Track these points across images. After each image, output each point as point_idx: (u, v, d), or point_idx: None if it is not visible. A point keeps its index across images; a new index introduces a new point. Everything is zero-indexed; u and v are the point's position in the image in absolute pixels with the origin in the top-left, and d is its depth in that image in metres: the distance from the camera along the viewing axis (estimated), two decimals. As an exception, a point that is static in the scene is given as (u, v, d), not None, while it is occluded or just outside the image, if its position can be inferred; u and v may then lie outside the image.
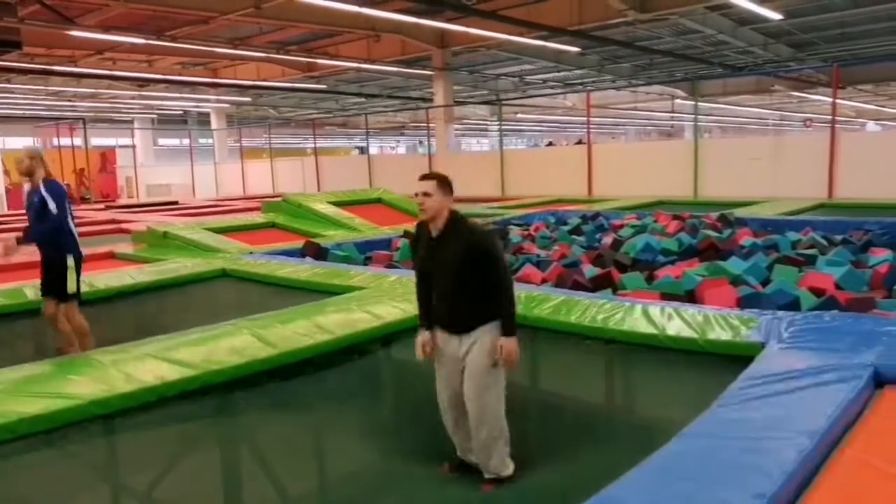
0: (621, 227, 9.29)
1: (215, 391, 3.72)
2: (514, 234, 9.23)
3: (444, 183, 2.91)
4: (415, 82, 23.60)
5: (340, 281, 6.12)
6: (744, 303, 4.99)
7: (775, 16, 13.14)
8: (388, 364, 4.57)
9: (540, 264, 6.82)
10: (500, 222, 10.46)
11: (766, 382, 3.08)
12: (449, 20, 14.16)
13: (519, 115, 31.88)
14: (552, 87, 25.82)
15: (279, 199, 12.17)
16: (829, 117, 13.39)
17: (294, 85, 22.02)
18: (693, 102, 18.33)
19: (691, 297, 5.29)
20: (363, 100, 27.38)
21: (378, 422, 3.57)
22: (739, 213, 9.90)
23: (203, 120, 31.23)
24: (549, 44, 16.16)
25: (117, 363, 3.78)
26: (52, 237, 4.63)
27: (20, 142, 26.38)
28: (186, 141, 30.34)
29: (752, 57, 19.49)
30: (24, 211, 4.88)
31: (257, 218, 11.10)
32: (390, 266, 7.34)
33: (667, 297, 5.16)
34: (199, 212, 15.38)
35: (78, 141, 22.97)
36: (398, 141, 47.99)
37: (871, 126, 36.68)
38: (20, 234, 4.82)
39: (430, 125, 20.28)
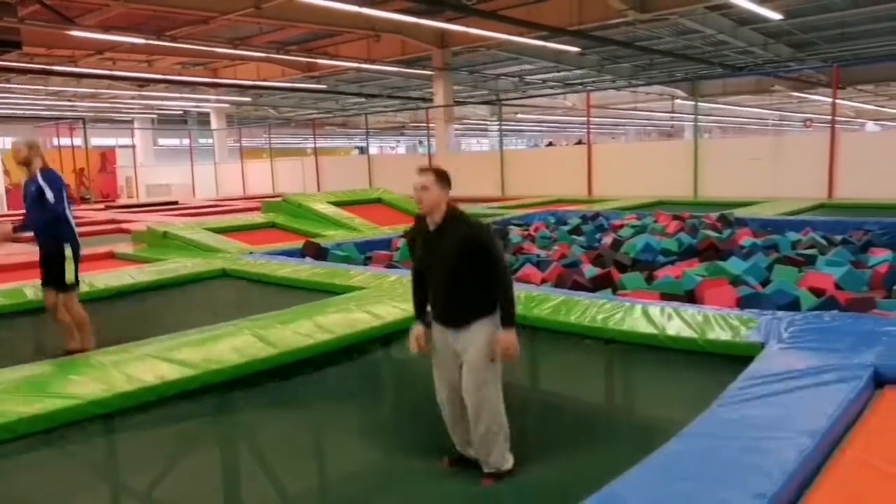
0: (621, 227, 9.29)
1: (215, 391, 3.73)
2: (514, 234, 9.23)
3: (442, 176, 2.90)
4: (415, 82, 23.60)
5: (340, 281, 6.12)
6: (744, 303, 4.99)
7: (775, 16, 13.14)
8: (388, 364, 4.57)
9: (540, 264, 6.82)
10: (500, 222, 10.46)
11: (766, 382, 3.08)
12: (449, 20, 14.17)
13: (519, 115, 31.88)
14: (552, 87, 25.82)
15: (279, 199, 12.17)
16: (829, 117, 13.39)
17: (294, 85, 22.02)
18: (693, 102, 18.33)
19: (691, 297, 5.29)
20: (363, 100, 27.38)
21: (378, 420, 3.57)
22: (739, 213, 9.90)
23: (203, 120, 31.24)
24: (549, 44, 16.16)
25: (117, 363, 3.78)
26: (50, 226, 4.61)
27: (20, 142, 26.28)
28: (186, 141, 30.34)
29: (752, 57, 19.50)
30: (23, 210, 4.88)
31: (257, 218, 11.10)
32: (390, 266, 7.34)
33: (667, 297, 5.16)
34: (199, 212, 15.38)
35: (78, 141, 22.97)
36: (398, 141, 47.99)
37: (871, 126, 36.68)
38: (17, 222, 4.82)
39: (430, 125, 20.29)
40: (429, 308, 3.05)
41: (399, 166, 21.45)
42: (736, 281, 5.54)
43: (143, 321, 5.32)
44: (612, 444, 3.20)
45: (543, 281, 6.17)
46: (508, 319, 2.86)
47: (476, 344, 2.86)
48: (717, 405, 2.87)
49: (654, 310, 4.47)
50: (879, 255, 6.41)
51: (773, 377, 3.14)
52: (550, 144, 39.71)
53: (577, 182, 15.63)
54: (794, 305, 4.86)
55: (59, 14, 12.02)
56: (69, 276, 4.66)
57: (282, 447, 3.21)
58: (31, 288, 5.92)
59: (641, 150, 20.19)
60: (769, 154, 13.16)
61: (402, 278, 5.79)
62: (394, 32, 16.23)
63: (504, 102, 23.93)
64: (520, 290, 5.19)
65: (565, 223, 10.36)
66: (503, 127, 22.44)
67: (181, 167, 27.63)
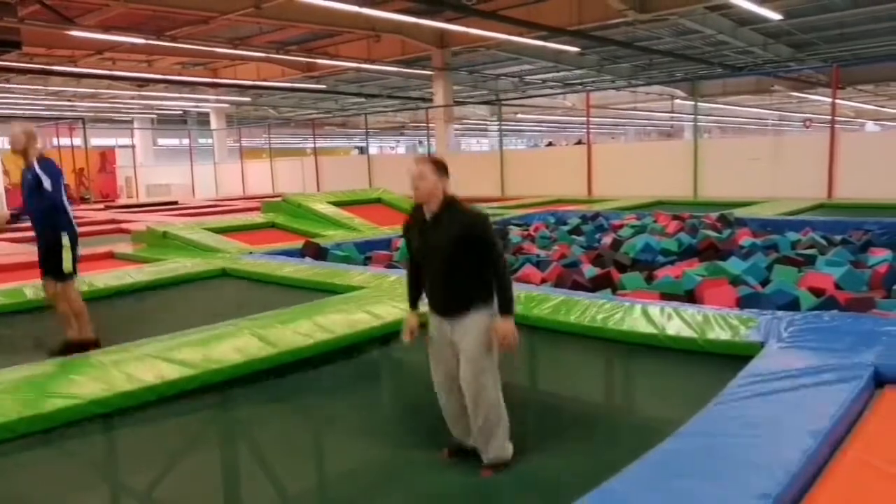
0: (621, 227, 9.29)
1: (215, 390, 3.73)
2: (514, 234, 9.23)
3: (439, 165, 2.90)
4: (414, 82, 23.61)
5: (340, 281, 6.12)
6: (743, 303, 4.99)
7: (775, 16, 13.14)
8: (388, 363, 4.58)
9: (540, 264, 6.82)
10: (499, 222, 10.46)
11: (766, 381, 3.08)
12: (449, 20, 14.17)
13: (519, 115, 31.90)
14: (552, 87, 25.83)
15: (279, 199, 12.17)
16: (829, 117, 13.39)
17: (294, 85, 22.03)
18: (693, 102, 18.33)
19: (691, 297, 5.29)
20: (363, 100, 27.39)
21: (377, 418, 3.57)
22: (739, 213, 9.91)
23: (203, 120, 31.25)
24: (548, 44, 16.16)
25: (117, 363, 3.78)
26: (48, 215, 4.59)
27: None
28: (186, 141, 30.34)
29: (752, 57, 19.50)
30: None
31: (257, 218, 11.11)
32: (390, 266, 7.34)
33: (666, 297, 5.16)
34: (198, 212, 15.39)
35: (77, 141, 22.96)
36: (398, 141, 48.00)
37: (871, 126, 36.70)
38: (13, 210, 4.80)
39: (430, 125, 20.28)
40: (424, 300, 3.05)
41: (399, 166, 21.43)
42: (736, 281, 5.54)
43: (143, 321, 5.32)
44: (611, 442, 3.20)
45: (543, 281, 6.17)
46: (506, 307, 2.84)
47: (473, 333, 2.84)
48: (716, 403, 2.87)
49: (654, 310, 4.48)
50: (879, 255, 6.41)
51: (773, 376, 3.14)
52: (550, 144, 39.73)
53: (577, 182, 15.63)
54: (793, 305, 4.86)
55: (58, 14, 12.02)
56: (66, 266, 4.64)
57: (281, 446, 3.22)
58: (31, 288, 5.94)
59: (641, 150, 20.19)
60: (769, 154, 13.17)
61: (402, 278, 5.75)
62: (394, 32, 16.24)
63: (504, 102, 23.94)
64: (519, 290, 5.19)
65: (565, 223, 10.37)
66: (503, 127, 22.45)
67: (181, 167, 27.64)
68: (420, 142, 40.59)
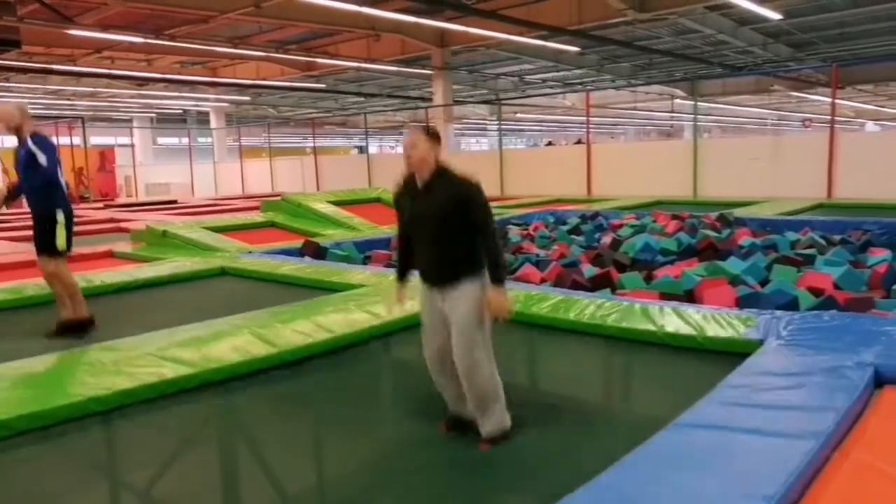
0: (620, 226, 9.29)
1: (214, 389, 3.73)
2: (514, 233, 9.23)
3: (431, 134, 2.89)
4: (414, 82, 23.60)
5: (339, 280, 6.12)
6: (742, 302, 5.00)
7: (775, 16, 13.15)
8: (388, 363, 4.57)
9: (539, 264, 6.83)
10: (499, 222, 10.45)
11: (763, 377, 3.09)
12: (449, 20, 14.17)
13: (518, 115, 31.91)
14: (551, 87, 25.82)
15: (278, 198, 12.18)
16: (829, 117, 13.40)
17: (293, 84, 22.02)
18: (692, 102, 18.33)
19: (690, 296, 5.29)
20: (362, 99, 27.38)
21: (377, 419, 3.57)
22: (738, 213, 9.91)
23: (202, 119, 31.24)
24: (548, 43, 16.16)
25: (117, 361, 3.78)
26: (43, 190, 4.54)
27: (19, 140, 26.30)
28: (185, 140, 30.36)
29: (752, 57, 19.51)
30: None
31: (256, 217, 11.11)
32: (389, 265, 7.34)
33: (666, 296, 5.16)
34: (198, 211, 15.39)
35: (77, 140, 22.95)
36: (398, 140, 48.01)
37: (870, 126, 36.72)
38: (12, 185, 4.73)
39: (430, 125, 20.25)
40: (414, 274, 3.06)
41: (398, 166, 21.40)
42: (735, 281, 5.55)
43: (143, 319, 5.32)
44: (608, 438, 3.20)
45: (542, 280, 6.18)
46: (497, 276, 2.81)
47: (464, 304, 2.80)
48: (711, 398, 2.89)
49: (653, 309, 4.48)
50: (878, 255, 6.42)
51: (771, 373, 3.14)
52: (550, 144, 39.75)
53: (577, 182, 15.64)
54: (792, 305, 4.86)
55: (58, 13, 12.02)
56: (60, 242, 4.61)
57: (280, 444, 3.21)
58: (31, 287, 5.93)
59: (641, 149, 20.20)
60: (768, 154, 13.18)
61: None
62: (393, 32, 16.23)
63: (503, 102, 23.94)
64: (519, 290, 5.20)
65: (564, 223, 10.37)
66: (502, 126, 22.45)
67: (180, 166, 27.63)
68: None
